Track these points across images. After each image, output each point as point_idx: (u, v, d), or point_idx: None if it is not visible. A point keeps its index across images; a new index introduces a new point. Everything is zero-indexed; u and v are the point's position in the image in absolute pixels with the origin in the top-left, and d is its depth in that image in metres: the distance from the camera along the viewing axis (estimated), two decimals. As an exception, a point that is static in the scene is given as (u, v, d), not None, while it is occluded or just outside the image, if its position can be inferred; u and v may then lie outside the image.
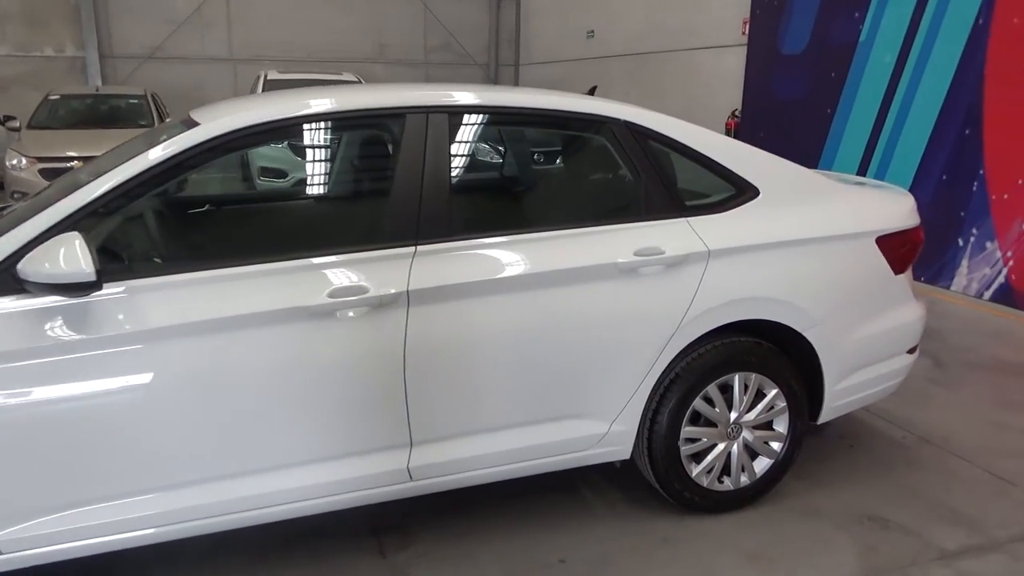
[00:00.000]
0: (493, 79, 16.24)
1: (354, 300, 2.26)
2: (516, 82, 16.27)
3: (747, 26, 8.81)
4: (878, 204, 3.06)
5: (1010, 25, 5.69)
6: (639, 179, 2.71)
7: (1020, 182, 5.63)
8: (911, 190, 6.51)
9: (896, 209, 3.06)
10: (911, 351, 3.16)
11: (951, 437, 3.55)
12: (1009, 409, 3.89)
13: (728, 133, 9.07)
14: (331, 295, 2.24)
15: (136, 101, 10.06)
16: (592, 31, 12.74)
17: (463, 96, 2.59)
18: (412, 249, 2.37)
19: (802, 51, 7.87)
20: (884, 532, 2.80)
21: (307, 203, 3.34)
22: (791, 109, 8.08)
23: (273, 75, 10.66)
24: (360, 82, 9.93)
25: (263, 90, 10.09)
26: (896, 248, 2.98)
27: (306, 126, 2.45)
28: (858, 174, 7.09)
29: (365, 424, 2.35)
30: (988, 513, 2.93)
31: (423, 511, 2.82)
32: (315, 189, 3.33)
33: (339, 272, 2.29)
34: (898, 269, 2.99)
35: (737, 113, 9.05)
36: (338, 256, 2.31)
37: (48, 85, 11.55)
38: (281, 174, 7.51)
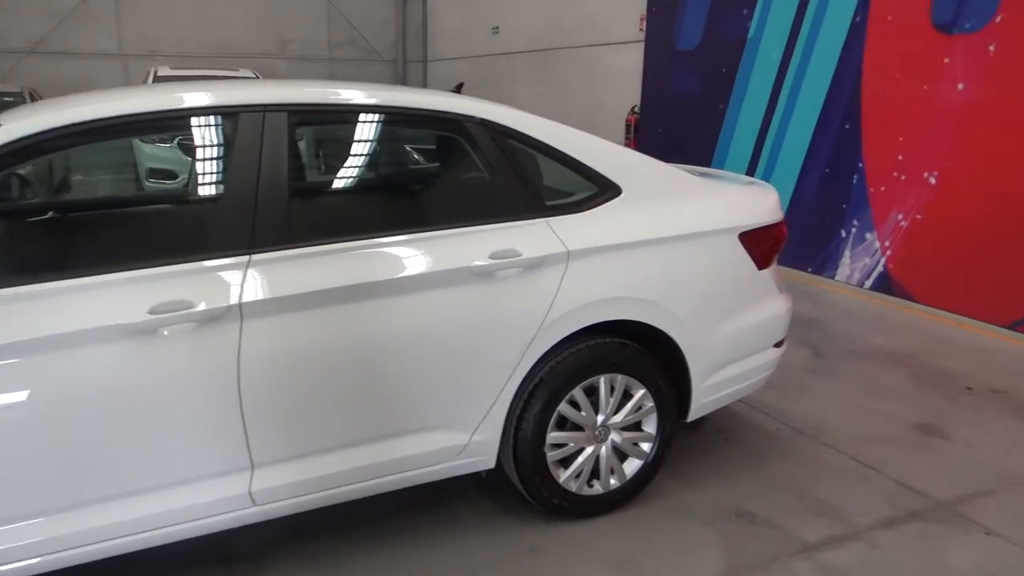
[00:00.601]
0: (401, 75, 15.98)
1: (179, 315, 2.09)
2: (424, 78, 16.07)
3: (644, 22, 8.90)
4: (741, 200, 3.07)
5: (885, 22, 5.89)
6: (497, 179, 2.63)
7: (895, 175, 5.85)
8: (797, 183, 6.75)
9: (759, 204, 3.08)
10: (778, 345, 3.19)
11: (823, 427, 3.62)
12: (879, 396, 4.01)
13: (629, 129, 9.15)
14: (153, 311, 2.07)
15: (12, 99, 9.42)
16: (497, 27, 12.67)
17: (305, 94, 2.44)
18: (246, 258, 2.21)
19: (696, 47, 7.99)
20: (751, 527, 2.81)
21: (131, 211, 3.11)
22: (687, 105, 8.20)
23: (164, 71, 10.16)
24: (257, 78, 9.57)
25: (151, 87, 9.60)
26: (759, 244, 2.99)
27: (127, 128, 2.25)
28: (748, 168, 7.25)
29: (198, 448, 2.19)
30: (850, 501, 2.98)
31: (276, 535, 2.67)
32: (140, 195, 3.11)
33: (163, 285, 2.11)
34: (762, 264, 3.01)
35: (636, 109, 9.14)
36: (163, 268, 2.13)
37: (-88, 82, 10.71)
38: (171, 175, 7.16)
